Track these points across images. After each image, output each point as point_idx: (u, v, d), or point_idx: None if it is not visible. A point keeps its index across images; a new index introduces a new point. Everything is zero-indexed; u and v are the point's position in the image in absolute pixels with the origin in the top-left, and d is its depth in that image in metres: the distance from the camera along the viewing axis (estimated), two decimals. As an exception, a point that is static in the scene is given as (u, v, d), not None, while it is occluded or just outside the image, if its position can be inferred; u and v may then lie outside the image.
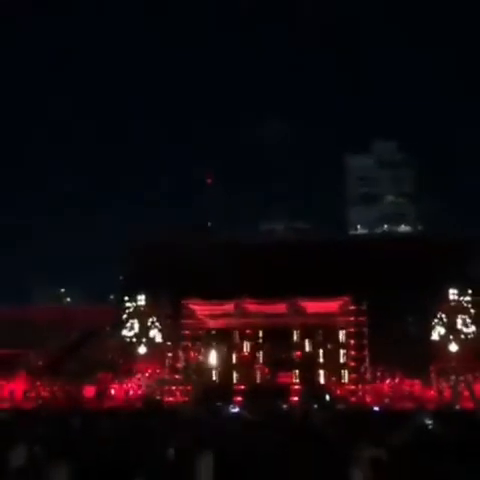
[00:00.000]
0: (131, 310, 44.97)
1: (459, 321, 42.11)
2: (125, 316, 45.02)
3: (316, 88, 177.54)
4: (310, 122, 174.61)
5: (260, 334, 41.65)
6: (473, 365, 41.06)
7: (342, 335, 41.15)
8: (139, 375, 42.73)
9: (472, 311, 42.30)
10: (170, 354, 42.29)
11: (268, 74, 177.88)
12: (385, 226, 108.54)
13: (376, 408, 24.11)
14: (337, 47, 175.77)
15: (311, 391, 37.00)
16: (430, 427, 8.78)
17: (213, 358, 42.32)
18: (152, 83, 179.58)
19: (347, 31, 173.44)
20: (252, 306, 39.93)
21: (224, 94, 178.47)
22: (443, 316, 42.40)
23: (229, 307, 40.19)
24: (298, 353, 40.46)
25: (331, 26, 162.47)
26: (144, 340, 44.21)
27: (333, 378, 40.47)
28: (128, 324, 44.90)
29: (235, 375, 40.81)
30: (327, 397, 36.04)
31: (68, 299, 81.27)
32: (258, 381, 40.58)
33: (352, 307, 39.77)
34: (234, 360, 41.57)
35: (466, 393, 38.12)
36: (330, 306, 39.39)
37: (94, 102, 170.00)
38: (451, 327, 41.98)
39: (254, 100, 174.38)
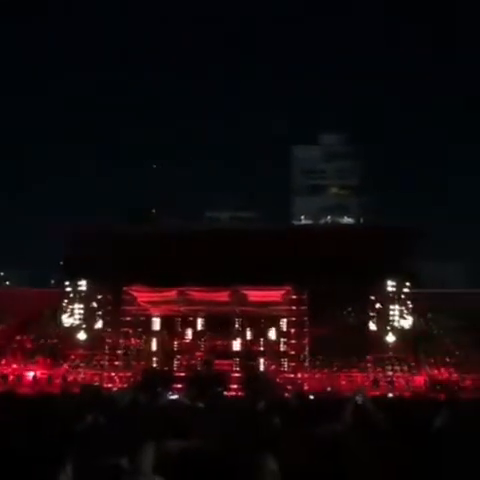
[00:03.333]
0: (71, 295, 44.41)
1: (396, 312, 43.03)
2: (65, 301, 44.45)
3: (265, 79, 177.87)
4: (258, 112, 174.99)
5: (202, 322, 41.74)
6: (408, 356, 42.19)
7: (283, 324, 41.63)
8: (78, 361, 42.43)
9: (409, 303, 43.28)
10: (110, 340, 42.05)
11: (217, 60, 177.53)
12: (328, 217, 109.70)
13: (311, 396, 24.62)
14: (289, 35, 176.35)
15: (251, 379, 37.30)
16: (360, 402, 9.02)
17: (154, 345, 42.24)
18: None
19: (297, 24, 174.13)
20: (195, 294, 39.98)
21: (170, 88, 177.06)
22: (381, 307, 43.27)
23: (172, 294, 40.13)
24: (239, 341, 40.79)
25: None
26: (84, 326, 43.78)
27: (273, 366, 40.94)
28: (68, 309, 44.35)
29: (175, 362, 40.86)
30: (268, 385, 36.40)
31: (7, 283, 79.72)
32: (198, 368, 40.69)
33: (294, 296, 40.29)
34: (175, 347, 41.64)
35: (401, 382, 39.14)
36: (273, 295, 39.80)
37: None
38: (388, 318, 42.89)
39: (200, 85, 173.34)
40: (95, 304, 43.98)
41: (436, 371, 40.89)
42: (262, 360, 41.38)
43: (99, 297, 43.88)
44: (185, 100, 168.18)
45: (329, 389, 36.84)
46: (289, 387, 36.88)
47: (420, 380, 39.70)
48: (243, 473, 5.51)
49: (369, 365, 41.04)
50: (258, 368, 40.98)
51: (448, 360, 42.09)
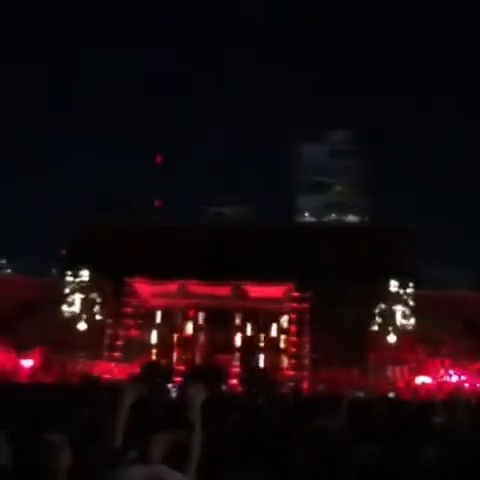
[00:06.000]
0: (73, 285, 44.32)
1: (399, 313, 42.87)
2: (66, 291, 44.37)
3: (272, 74, 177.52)
4: (264, 107, 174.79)
5: (202, 315, 41.65)
6: (410, 356, 41.99)
7: (284, 321, 41.52)
8: (77, 351, 42.31)
9: (412, 303, 43.10)
10: (110, 331, 41.95)
11: (225, 59, 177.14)
12: (333, 215, 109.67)
13: (310, 394, 24.63)
14: (295, 33, 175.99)
15: (251, 374, 37.20)
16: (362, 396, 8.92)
17: (154, 337, 42.14)
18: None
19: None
20: (196, 287, 39.86)
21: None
22: (384, 307, 43.09)
23: (173, 287, 40.02)
24: (239, 336, 40.69)
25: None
26: (84, 316, 43.69)
27: (273, 363, 40.82)
28: (69, 299, 44.27)
29: (175, 355, 40.77)
30: (267, 381, 36.29)
31: (9, 270, 79.79)
32: (198, 362, 40.58)
33: (295, 293, 40.18)
34: (175, 340, 41.54)
35: (402, 383, 38.96)
36: (274, 291, 39.65)
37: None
38: (390, 318, 42.72)
39: (209, 90, 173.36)
40: (96, 295, 43.90)
41: (437, 373, 40.69)
42: (262, 356, 41.29)
43: (100, 288, 43.81)
44: (188, 96, 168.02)
45: (324, 387, 36.67)
46: (288, 384, 36.78)
47: (421, 381, 39.52)
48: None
49: (370, 365, 40.87)
50: (257, 364, 40.90)
51: (449, 362, 41.90)
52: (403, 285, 43.22)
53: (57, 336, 43.61)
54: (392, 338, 42.08)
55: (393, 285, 43.16)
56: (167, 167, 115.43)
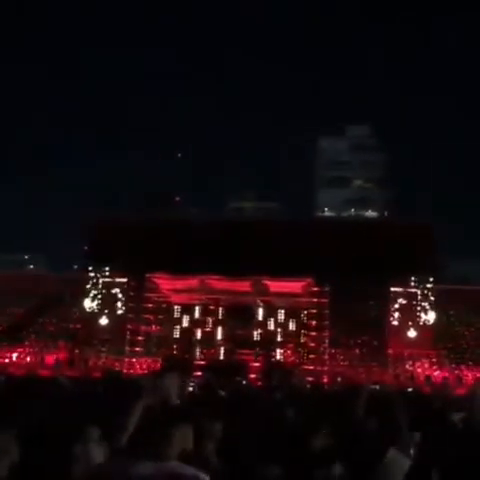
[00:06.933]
0: (94, 280, 44.76)
1: (418, 308, 42.79)
2: (88, 286, 44.84)
3: (291, 69, 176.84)
4: (284, 102, 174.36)
5: (222, 311, 41.84)
6: (430, 351, 41.93)
7: (303, 316, 41.59)
8: (99, 346, 42.77)
9: (432, 298, 42.99)
10: (131, 326, 42.31)
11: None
12: (352, 210, 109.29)
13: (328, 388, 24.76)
14: (313, 26, 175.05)
15: (270, 369, 37.34)
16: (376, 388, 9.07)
17: (175, 332, 42.43)
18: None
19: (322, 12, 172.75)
20: (216, 283, 40.07)
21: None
22: (403, 302, 43.03)
23: (193, 282, 40.26)
24: (259, 331, 40.83)
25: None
26: (106, 311, 44.13)
27: (292, 357, 40.95)
28: (91, 294, 44.73)
29: (196, 350, 41.01)
30: (286, 376, 36.40)
31: (31, 266, 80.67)
32: (219, 357, 40.82)
33: (315, 288, 40.22)
34: (195, 335, 41.77)
35: (421, 378, 38.94)
36: (293, 286, 39.73)
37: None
38: (410, 313, 42.66)
39: (231, 83, 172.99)
40: (118, 290, 44.33)
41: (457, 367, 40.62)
42: (282, 351, 41.42)
43: (122, 283, 44.23)
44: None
45: (343, 381, 36.63)
46: (308, 379, 36.86)
47: (440, 376, 39.46)
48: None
49: (389, 359, 40.87)
50: (277, 359, 41.03)
51: (469, 357, 41.81)
52: (423, 280, 43.11)
53: (79, 331, 44.19)
54: (412, 333, 42.04)
55: (413, 280, 43.06)
56: (185, 164, 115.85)
